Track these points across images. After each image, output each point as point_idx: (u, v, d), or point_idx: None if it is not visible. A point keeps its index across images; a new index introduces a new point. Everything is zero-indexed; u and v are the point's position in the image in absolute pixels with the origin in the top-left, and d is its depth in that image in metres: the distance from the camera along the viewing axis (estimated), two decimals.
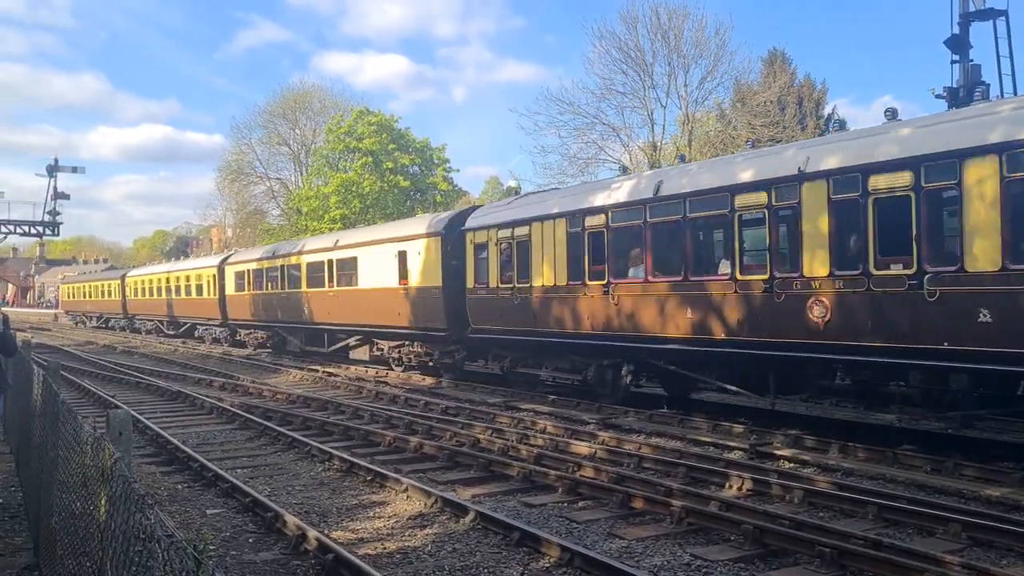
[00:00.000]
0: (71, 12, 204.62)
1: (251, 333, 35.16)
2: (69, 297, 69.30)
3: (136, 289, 49.92)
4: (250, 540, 8.54)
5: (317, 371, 24.65)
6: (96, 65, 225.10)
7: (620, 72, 40.64)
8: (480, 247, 20.07)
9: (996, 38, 19.62)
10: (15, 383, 11.24)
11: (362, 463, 11.51)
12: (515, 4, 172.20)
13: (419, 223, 23.64)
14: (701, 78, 40.17)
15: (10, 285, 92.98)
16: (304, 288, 28.64)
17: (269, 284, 31.96)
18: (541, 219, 18.07)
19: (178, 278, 42.46)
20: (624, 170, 26.76)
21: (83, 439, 4.62)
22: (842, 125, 42.14)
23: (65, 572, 5.52)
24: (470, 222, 20.79)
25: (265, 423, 15.11)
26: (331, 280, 26.83)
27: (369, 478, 10.98)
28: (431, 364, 22.85)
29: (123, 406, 16.29)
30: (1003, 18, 19.61)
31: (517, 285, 18.62)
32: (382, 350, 25.14)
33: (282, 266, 30.60)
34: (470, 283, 20.27)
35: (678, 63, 40.04)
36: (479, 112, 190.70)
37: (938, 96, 19.17)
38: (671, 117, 41.24)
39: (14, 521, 8.87)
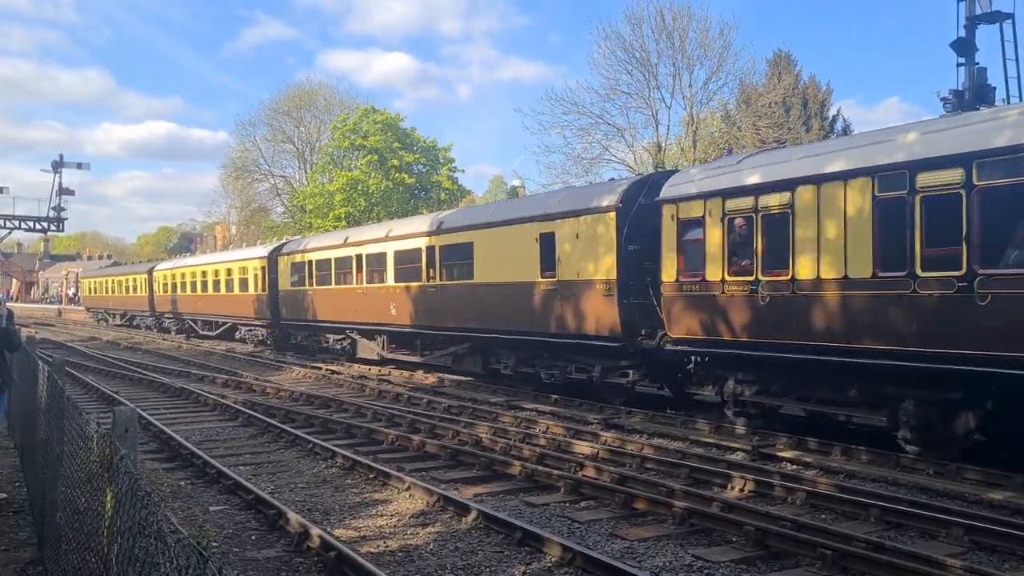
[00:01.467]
0: (75, 8, 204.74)
1: (311, 336, 30.23)
2: (90, 292, 63.71)
3: (165, 284, 45.00)
4: (253, 537, 8.57)
5: (320, 369, 24.67)
6: (101, 62, 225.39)
7: (625, 72, 40.69)
8: (689, 225, 14.52)
9: (1003, 41, 19.58)
10: (20, 379, 11.27)
11: (365, 461, 11.53)
12: (520, 2, 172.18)
13: (581, 196, 18.03)
14: (706, 79, 40.21)
15: (14, 280, 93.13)
16: (391, 282, 23.70)
17: (341, 277, 26.70)
18: (816, 180, 12.36)
19: (216, 272, 37.89)
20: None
21: (89, 435, 4.64)
22: (846, 128, 42.13)
23: (69, 567, 5.55)
24: (671, 191, 15.02)
25: (268, 420, 15.14)
26: (431, 272, 21.76)
27: (372, 476, 11.00)
28: (592, 381, 17.09)
29: (126, 402, 16.34)
30: (1010, 21, 19.57)
31: (767, 278, 13.06)
32: (504, 363, 20.02)
33: (359, 256, 25.54)
34: (668, 275, 14.74)
35: (682, 63, 40.07)
36: (483, 111, 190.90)
37: (943, 99, 19.12)
38: (675, 118, 41.33)
39: (18, 516, 8.90)
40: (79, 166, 54.47)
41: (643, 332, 15.80)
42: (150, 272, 47.85)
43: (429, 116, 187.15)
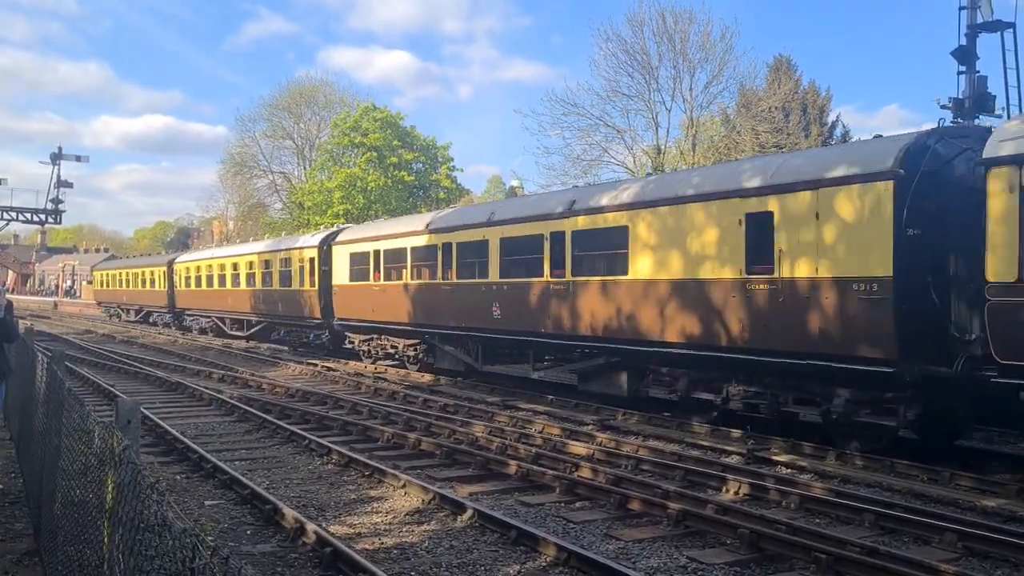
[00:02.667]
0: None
1: (373, 340, 25.45)
2: (102, 286, 59.00)
3: (188, 278, 40.92)
4: (248, 532, 8.58)
5: (316, 365, 24.67)
6: (101, 54, 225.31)
7: (625, 75, 40.62)
8: None
9: (1004, 50, 19.63)
10: (17, 370, 11.27)
11: (360, 458, 11.55)
12: (522, 3, 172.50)
13: (823, 159, 13.35)
14: (706, 82, 40.18)
15: (10, 272, 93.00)
16: (494, 278, 19.16)
17: (418, 271, 22.41)
18: None
19: (250, 264, 33.65)
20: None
21: (90, 427, 4.65)
22: (845, 134, 42.25)
23: (66, 558, 5.56)
24: (1010, 146, 10.44)
25: (264, 416, 15.14)
26: (558, 266, 17.32)
27: (367, 473, 11.02)
28: (832, 418, 12.58)
29: (122, 395, 16.33)
30: (1011, 30, 19.62)
31: None
32: (663, 384, 15.51)
33: (446, 245, 21.04)
34: (1001, 271, 10.39)
35: (683, 67, 40.03)
36: (483, 111, 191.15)
37: (943, 107, 19.18)
38: (675, 121, 41.30)
39: (14, 507, 8.90)
40: (78, 159, 54.22)
41: (926, 353, 11.38)
42: (170, 264, 43.72)
43: (429, 115, 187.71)
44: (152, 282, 46.76)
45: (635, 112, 41.17)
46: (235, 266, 35.42)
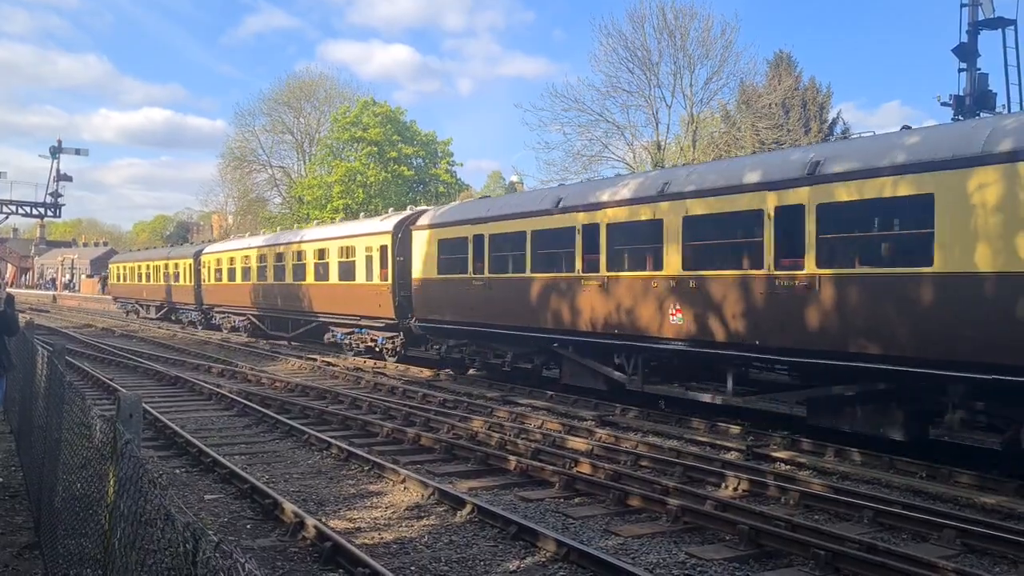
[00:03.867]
0: None
1: (470, 347, 20.55)
2: (119, 280, 53.87)
3: (219, 270, 36.78)
4: (248, 526, 8.59)
5: (315, 360, 24.66)
6: (101, 47, 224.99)
7: (626, 70, 40.65)
8: None
9: (1005, 47, 19.65)
10: (17, 364, 11.27)
11: (360, 453, 11.56)
12: None
13: None
14: (707, 78, 40.19)
15: (9, 266, 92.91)
16: (674, 269, 14.32)
17: (546, 262, 17.45)
18: None
19: (298, 253, 29.26)
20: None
21: (91, 421, 4.65)
22: (846, 130, 42.20)
23: (66, 552, 5.56)
24: None
25: (263, 410, 15.15)
26: (787, 253, 12.61)
27: (367, 468, 11.03)
28: None
29: (121, 389, 16.33)
30: (1012, 27, 19.63)
31: None
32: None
33: (590, 227, 16.15)
34: None
35: (684, 63, 40.05)
36: (483, 106, 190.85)
37: (944, 104, 19.20)
38: (676, 117, 41.28)
39: (15, 500, 8.92)
40: (77, 152, 54.39)
41: None
42: (197, 256, 39.38)
43: (429, 109, 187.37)
44: (176, 275, 42.10)
45: (635, 108, 41.24)
46: (278, 256, 30.92)
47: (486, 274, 19.04)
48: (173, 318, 44.24)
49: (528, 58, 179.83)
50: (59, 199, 51.64)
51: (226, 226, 74.52)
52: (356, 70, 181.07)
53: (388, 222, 24.46)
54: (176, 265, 42.19)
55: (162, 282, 44.10)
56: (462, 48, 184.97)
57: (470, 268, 19.60)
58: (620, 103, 41.15)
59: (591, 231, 16.17)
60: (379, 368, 23.25)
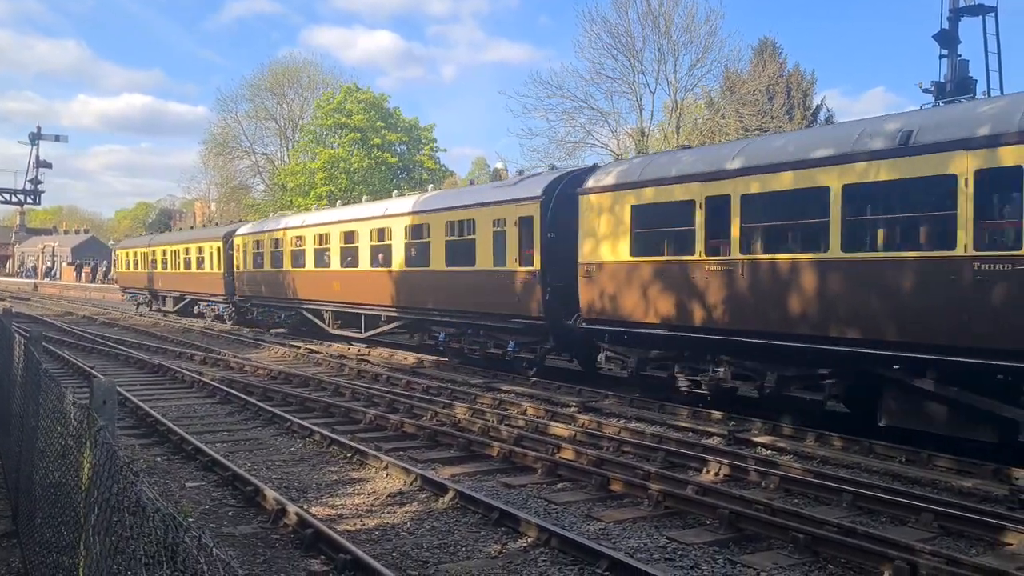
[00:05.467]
0: None
1: (671, 360, 14.57)
2: (128, 268, 47.18)
3: (259, 254, 30.95)
4: (229, 514, 8.57)
5: (299, 348, 24.58)
6: (80, 32, 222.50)
7: (610, 57, 40.62)
8: None
9: (985, 34, 19.76)
10: None
11: (343, 440, 11.54)
12: None
13: None
14: (690, 65, 40.24)
15: None
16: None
17: (858, 235, 11.80)
18: None
19: (382, 232, 22.99)
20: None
21: (66, 408, 4.62)
22: (829, 117, 42.35)
23: (44, 540, 5.53)
24: None
25: (246, 398, 15.10)
26: None
27: (349, 455, 11.02)
28: None
29: (102, 377, 16.23)
30: (992, 14, 19.73)
31: None
32: None
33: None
34: None
35: (668, 49, 40.07)
36: (468, 92, 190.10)
37: (925, 90, 19.30)
38: (659, 104, 41.27)
39: None
40: (57, 139, 53.77)
41: None
42: (228, 238, 33.55)
43: (412, 96, 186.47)
44: (199, 261, 36.12)
45: (619, 95, 41.23)
46: (349, 236, 24.79)
47: (734, 254, 12.96)
48: (196, 311, 38.22)
49: (513, 44, 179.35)
50: (39, 186, 51.11)
51: (209, 213, 74.05)
52: (339, 56, 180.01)
53: (532, 185, 18.03)
54: (200, 249, 36.16)
55: (182, 270, 38.48)
56: (446, 34, 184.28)
57: (699, 245, 13.52)
58: (604, 90, 41.19)
59: (1001, 178, 10.15)
60: (363, 355, 23.14)
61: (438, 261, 20.39)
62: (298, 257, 28.00)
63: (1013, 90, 19.91)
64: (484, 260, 18.70)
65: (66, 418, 4.70)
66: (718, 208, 13.26)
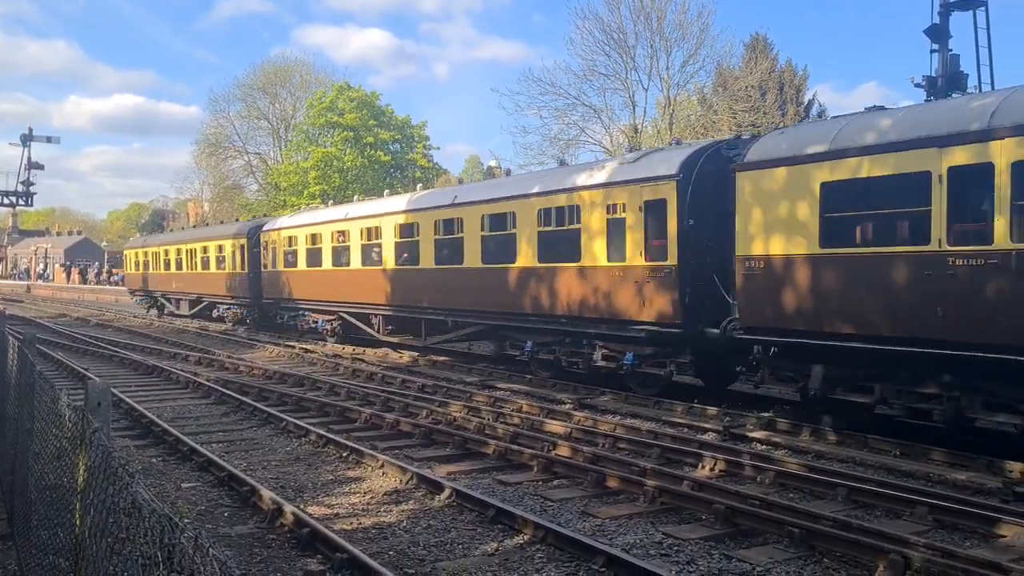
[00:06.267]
0: None
1: (877, 380, 11.37)
2: (137, 268, 43.87)
3: (291, 252, 27.81)
4: (225, 514, 8.57)
5: (294, 347, 24.54)
6: (71, 33, 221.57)
7: (602, 54, 40.56)
8: None
9: (976, 28, 19.80)
10: None
11: (338, 439, 11.54)
12: None
13: None
14: (683, 61, 40.19)
15: None
16: None
17: None
18: None
19: (445, 223, 20.25)
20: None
21: (61, 410, 4.61)
22: (821, 112, 42.43)
23: (40, 542, 5.52)
24: None
25: (241, 398, 15.08)
26: None
27: (345, 454, 11.02)
28: None
29: (96, 379, 16.19)
30: (983, 8, 19.77)
31: None
32: None
33: None
34: None
35: (660, 45, 40.02)
36: (461, 90, 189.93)
37: (917, 85, 19.32)
38: (652, 100, 41.25)
39: None
40: (49, 140, 53.33)
41: None
42: (253, 235, 30.59)
43: (405, 94, 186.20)
44: (220, 261, 33.06)
45: (612, 91, 41.17)
46: (407, 230, 21.66)
47: (1001, 243, 9.61)
48: (215, 315, 34.93)
49: (505, 42, 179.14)
50: (31, 188, 50.87)
51: (202, 213, 73.86)
52: (332, 55, 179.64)
53: (663, 161, 14.86)
54: (220, 248, 33.08)
55: (199, 270, 35.17)
56: (439, 32, 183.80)
57: (937, 232, 10.21)
58: (597, 86, 41.12)
59: None
60: (358, 355, 23.09)
61: (526, 257, 17.37)
62: (339, 255, 24.98)
63: (1003, 84, 19.97)
64: (593, 255, 15.69)
65: (61, 420, 4.70)
66: (971, 181, 9.95)
